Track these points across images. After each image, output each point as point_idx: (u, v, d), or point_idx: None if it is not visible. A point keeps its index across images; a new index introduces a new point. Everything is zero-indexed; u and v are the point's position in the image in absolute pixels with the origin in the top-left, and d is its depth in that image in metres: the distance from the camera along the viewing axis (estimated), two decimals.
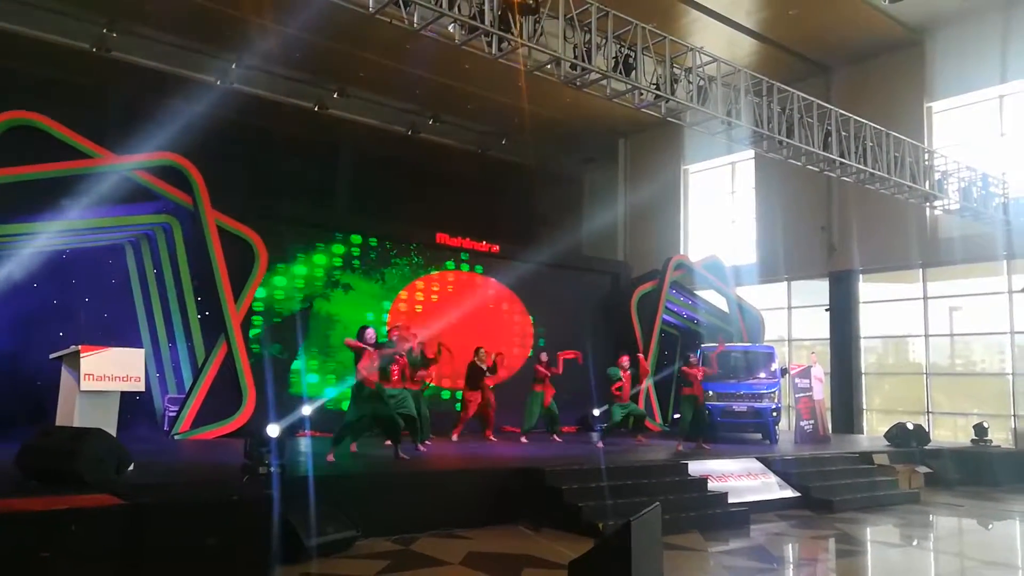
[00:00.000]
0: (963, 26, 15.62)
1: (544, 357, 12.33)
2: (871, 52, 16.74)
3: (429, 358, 10.34)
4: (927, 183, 13.35)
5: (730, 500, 8.82)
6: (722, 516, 8.48)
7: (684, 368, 12.02)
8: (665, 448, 11.46)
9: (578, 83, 9.48)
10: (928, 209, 15.16)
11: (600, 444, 11.66)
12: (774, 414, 13.24)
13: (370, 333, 8.83)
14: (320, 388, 13.01)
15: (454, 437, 11.80)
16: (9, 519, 4.75)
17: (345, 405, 13.13)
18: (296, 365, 13.02)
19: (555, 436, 12.30)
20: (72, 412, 7.69)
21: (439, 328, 14.60)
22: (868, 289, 17.36)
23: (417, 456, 9.28)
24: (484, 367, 11.88)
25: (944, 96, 16.27)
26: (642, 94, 9.84)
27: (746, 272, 18.57)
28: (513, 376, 15.40)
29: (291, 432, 10.45)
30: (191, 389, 11.25)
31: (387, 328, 9.50)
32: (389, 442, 9.29)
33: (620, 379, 11.87)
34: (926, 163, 13.46)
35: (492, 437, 12.09)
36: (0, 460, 6.81)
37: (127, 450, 6.41)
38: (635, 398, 12.71)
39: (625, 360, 12.11)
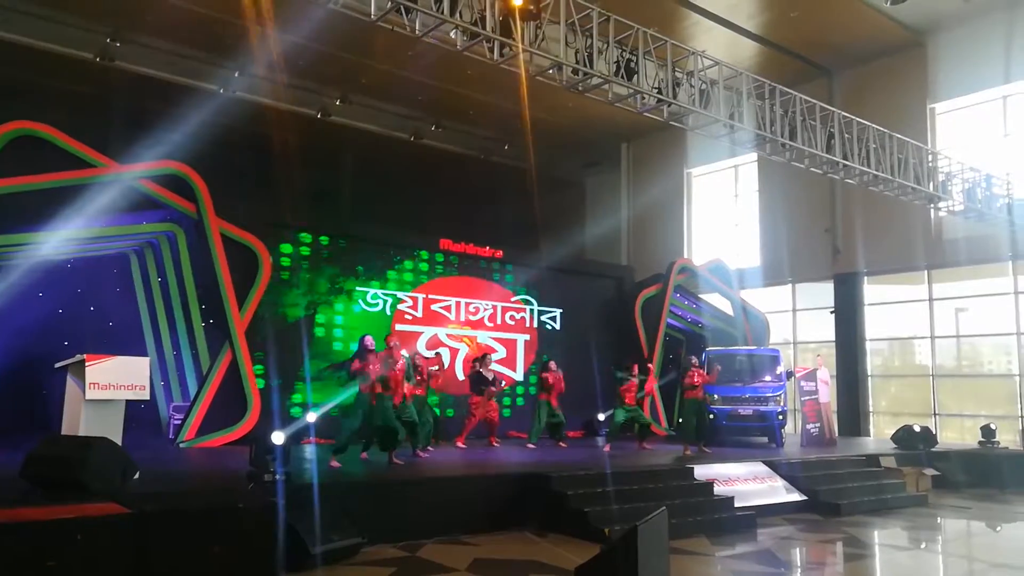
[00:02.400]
0: (965, 27, 15.61)
1: (553, 366, 12.33)
2: (873, 54, 16.74)
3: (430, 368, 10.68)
4: (931, 184, 13.33)
5: (737, 504, 8.79)
6: (729, 520, 8.45)
7: (690, 371, 11.89)
8: (670, 453, 11.42)
9: (580, 88, 9.50)
10: (932, 210, 15.13)
11: (607, 448, 11.64)
12: (780, 417, 13.19)
13: (368, 340, 8.95)
14: (324, 395, 13.00)
15: (460, 444, 11.80)
16: (15, 528, 4.75)
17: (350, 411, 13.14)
18: (300, 372, 13.00)
19: (560, 442, 12.29)
20: (78, 421, 7.71)
21: (442, 334, 14.68)
22: (873, 291, 17.31)
23: (413, 462, 9.26)
24: (488, 374, 11.92)
25: (947, 97, 16.26)
26: (644, 98, 9.86)
27: (750, 275, 18.54)
28: (517, 382, 15.45)
29: (296, 439, 10.46)
30: (196, 397, 11.25)
31: (384, 341, 9.55)
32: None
33: (628, 380, 11.85)
34: (930, 164, 13.44)
35: (495, 443, 12.09)
36: (6, 469, 6.82)
37: (132, 458, 6.41)
38: (640, 403, 12.68)
39: (636, 369, 12.14)
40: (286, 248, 13.07)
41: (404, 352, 9.81)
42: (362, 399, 8.85)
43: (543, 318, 16.44)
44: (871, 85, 16.91)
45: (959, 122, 16.32)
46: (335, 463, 8.55)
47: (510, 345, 15.58)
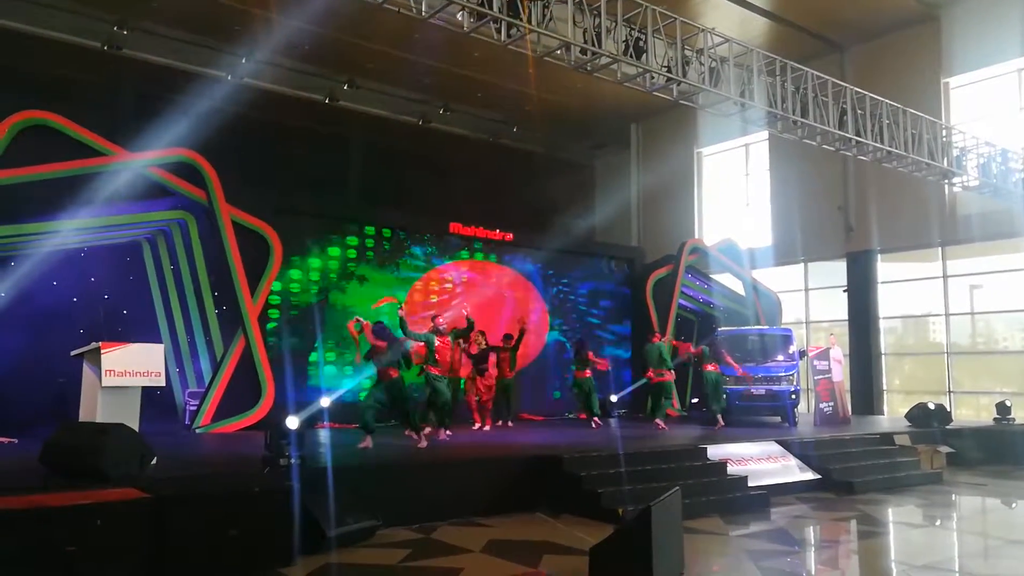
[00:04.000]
0: None
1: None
2: (886, 28, 16.49)
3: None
4: (945, 160, 13.17)
5: (750, 484, 8.79)
6: (742, 499, 8.46)
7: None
8: (684, 433, 11.42)
9: (588, 68, 9.41)
10: (947, 186, 14.96)
11: (663, 426, 11.76)
12: (793, 397, 13.16)
13: (378, 327, 9.19)
14: (338, 380, 13.08)
15: (484, 427, 12.03)
16: (35, 515, 4.82)
17: (363, 396, 13.22)
18: (313, 357, 13.09)
19: (595, 418, 12.37)
20: (95, 408, 7.80)
21: (454, 318, 14.70)
22: (886, 269, 17.18)
23: (434, 444, 9.31)
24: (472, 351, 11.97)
25: (961, 71, 16.01)
26: (653, 77, 9.76)
27: (762, 255, 18.43)
28: (531, 363, 15.46)
29: (310, 424, 10.55)
30: (211, 383, 11.34)
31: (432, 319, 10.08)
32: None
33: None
34: (944, 140, 13.27)
35: (476, 427, 12.15)
36: (25, 457, 6.91)
37: (149, 444, 6.47)
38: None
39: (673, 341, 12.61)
40: (297, 234, 13.08)
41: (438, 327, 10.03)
42: (387, 378, 9.07)
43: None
44: (884, 60, 16.66)
45: (974, 96, 16.08)
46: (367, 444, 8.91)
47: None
